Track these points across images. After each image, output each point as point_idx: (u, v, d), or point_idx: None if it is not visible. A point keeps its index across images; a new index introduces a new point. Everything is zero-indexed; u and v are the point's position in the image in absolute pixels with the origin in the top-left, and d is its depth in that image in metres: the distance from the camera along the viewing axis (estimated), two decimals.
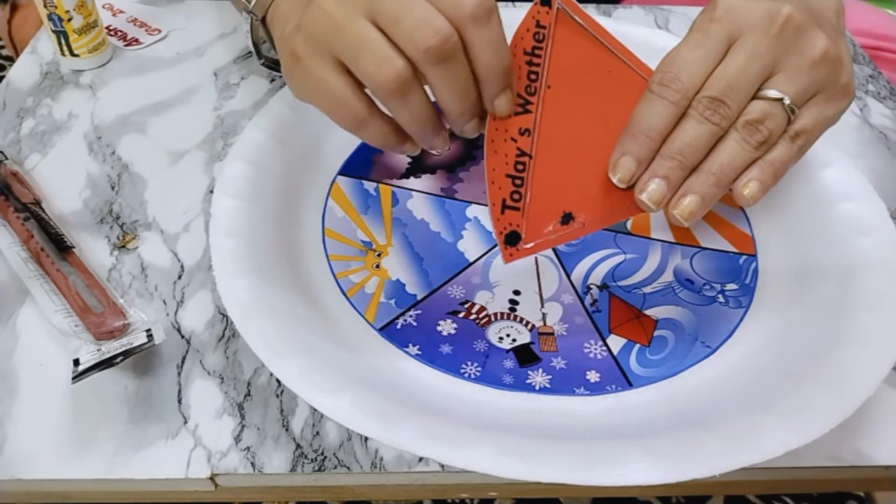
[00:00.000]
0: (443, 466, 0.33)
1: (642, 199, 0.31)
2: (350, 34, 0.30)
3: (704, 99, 0.30)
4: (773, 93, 0.31)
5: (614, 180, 0.32)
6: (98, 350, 0.34)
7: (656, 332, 0.36)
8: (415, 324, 0.36)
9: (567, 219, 0.33)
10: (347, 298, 0.37)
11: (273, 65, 0.49)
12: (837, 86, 0.32)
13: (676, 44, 0.32)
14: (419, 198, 0.43)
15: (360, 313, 0.37)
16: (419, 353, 0.35)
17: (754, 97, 0.31)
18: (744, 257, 0.40)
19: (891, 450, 0.33)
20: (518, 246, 0.33)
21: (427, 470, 0.33)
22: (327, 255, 0.39)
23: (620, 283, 0.39)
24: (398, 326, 0.36)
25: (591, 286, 0.39)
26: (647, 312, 0.37)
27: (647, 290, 0.38)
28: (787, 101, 0.31)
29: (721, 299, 0.38)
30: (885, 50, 0.65)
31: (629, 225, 0.42)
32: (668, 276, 0.39)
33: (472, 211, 0.42)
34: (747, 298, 0.38)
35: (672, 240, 0.41)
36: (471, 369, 0.35)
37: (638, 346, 0.36)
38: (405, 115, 0.32)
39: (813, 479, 0.35)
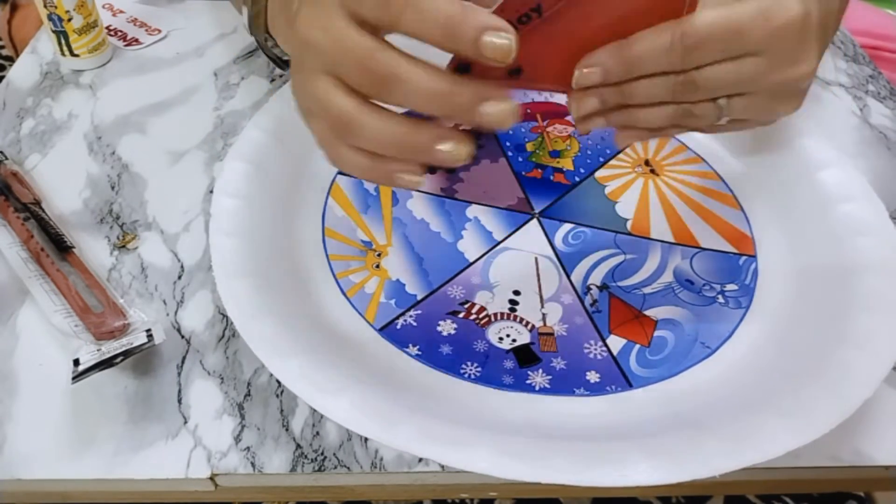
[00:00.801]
0: (443, 466, 0.33)
1: (574, 79, 0.31)
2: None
3: (688, 83, 0.31)
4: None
5: (574, 77, 0.31)
6: (98, 350, 0.34)
7: (656, 333, 0.36)
8: (415, 324, 0.36)
9: (516, 72, 0.31)
10: (347, 298, 0.37)
11: (275, 59, 0.49)
12: (779, 109, 0.34)
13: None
14: (419, 198, 0.43)
15: (360, 313, 0.37)
16: (419, 353, 0.35)
17: None
18: (743, 258, 0.40)
19: (891, 450, 0.33)
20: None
21: (427, 470, 0.33)
22: (327, 255, 0.39)
23: (620, 284, 0.39)
24: (398, 326, 0.36)
25: (591, 286, 0.39)
26: (647, 313, 0.37)
27: (647, 290, 0.38)
28: (722, 103, 0.33)
29: (721, 300, 0.38)
30: (885, 50, 0.65)
31: (629, 226, 0.42)
32: (667, 277, 0.39)
33: (472, 211, 0.42)
34: (747, 299, 0.38)
35: (672, 240, 0.41)
36: (471, 369, 0.35)
37: (638, 346, 0.36)
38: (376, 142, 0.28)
39: (813, 479, 0.35)
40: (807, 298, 0.36)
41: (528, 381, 0.34)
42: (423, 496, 0.35)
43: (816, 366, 0.31)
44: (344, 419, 0.28)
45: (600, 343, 0.36)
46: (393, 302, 0.37)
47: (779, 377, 0.32)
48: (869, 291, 0.34)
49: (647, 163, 0.46)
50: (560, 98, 0.49)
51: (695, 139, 0.47)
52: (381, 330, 0.36)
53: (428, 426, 0.29)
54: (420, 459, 0.33)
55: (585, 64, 0.31)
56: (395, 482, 0.33)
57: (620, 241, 0.41)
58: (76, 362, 0.33)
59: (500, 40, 0.25)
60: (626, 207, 0.43)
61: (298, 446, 0.33)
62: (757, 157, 0.44)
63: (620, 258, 0.40)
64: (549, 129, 0.48)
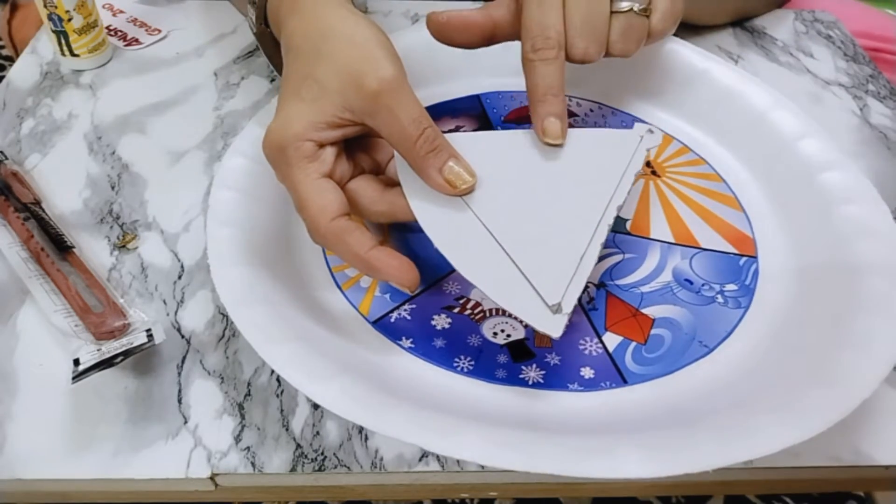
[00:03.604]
0: (443, 466, 0.33)
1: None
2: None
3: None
4: (624, 4, 0.35)
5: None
6: (98, 350, 0.34)
7: (653, 331, 0.36)
8: (409, 317, 0.37)
9: None
10: (342, 291, 0.37)
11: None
12: None
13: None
14: None
15: (353, 306, 0.37)
16: (412, 346, 0.35)
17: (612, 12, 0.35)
18: (744, 258, 0.40)
19: (891, 450, 0.33)
20: None
21: (427, 470, 0.33)
22: (324, 249, 0.39)
23: (618, 282, 0.39)
24: (392, 320, 0.36)
25: (589, 284, 0.38)
26: (645, 311, 0.37)
27: (645, 289, 0.38)
28: (637, 7, 0.35)
29: (720, 300, 0.38)
30: (885, 51, 0.65)
31: (628, 226, 0.42)
32: (666, 276, 0.39)
33: None
34: (747, 299, 0.38)
35: (672, 240, 0.41)
36: (463, 363, 0.35)
37: (634, 343, 0.36)
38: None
39: (813, 479, 0.35)
40: (807, 299, 0.36)
41: (520, 376, 0.34)
42: (424, 496, 0.35)
43: (814, 366, 0.31)
44: (333, 405, 0.28)
45: (596, 340, 0.36)
46: (388, 296, 0.37)
47: (776, 377, 0.32)
48: (870, 293, 0.34)
49: (648, 164, 0.46)
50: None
51: (697, 141, 0.47)
52: (374, 323, 0.36)
53: (417, 415, 0.29)
54: (420, 459, 0.33)
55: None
56: (395, 482, 0.33)
57: (620, 240, 0.41)
58: (76, 362, 0.33)
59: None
60: (626, 208, 0.43)
61: (298, 446, 0.33)
62: (760, 159, 0.44)
63: (619, 257, 0.40)
64: None
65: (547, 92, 0.34)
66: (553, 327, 0.30)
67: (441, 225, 0.33)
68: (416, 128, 0.32)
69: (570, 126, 0.35)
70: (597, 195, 0.34)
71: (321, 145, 0.32)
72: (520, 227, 0.33)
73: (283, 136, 0.32)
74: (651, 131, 0.37)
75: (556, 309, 0.30)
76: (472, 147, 0.34)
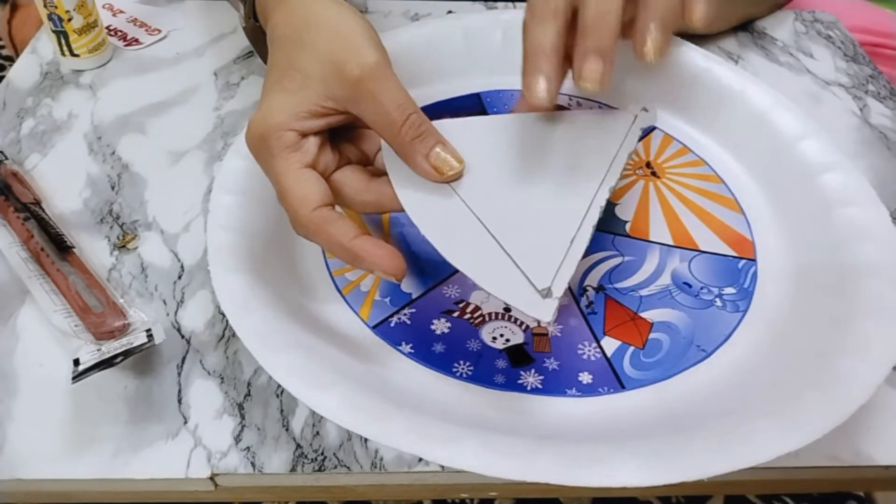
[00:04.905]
0: (443, 466, 0.33)
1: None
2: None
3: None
4: None
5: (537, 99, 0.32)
6: (98, 350, 0.34)
7: (651, 335, 0.36)
8: (408, 322, 0.37)
9: None
10: (342, 296, 0.37)
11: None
12: None
13: None
14: None
15: (354, 311, 0.37)
16: (412, 351, 0.35)
17: None
18: (743, 261, 0.40)
19: (891, 450, 0.33)
20: None
21: (427, 470, 0.33)
22: (324, 253, 0.39)
23: (617, 286, 0.39)
24: (392, 325, 0.36)
25: (588, 288, 0.38)
26: (643, 315, 0.37)
27: (644, 292, 0.38)
28: None
29: (718, 303, 0.38)
30: (884, 46, 0.65)
31: (628, 228, 0.42)
32: (665, 279, 0.39)
33: None
34: (745, 302, 0.38)
35: (671, 243, 0.41)
36: (463, 368, 0.35)
37: (632, 348, 0.36)
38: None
39: (813, 479, 0.35)
40: (806, 302, 0.36)
41: (519, 381, 0.34)
42: (423, 496, 0.35)
43: (812, 370, 0.31)
44: (332, 414, 0.28)
45: (594, 344, 0.36)
46: (388, 300, 0.38)
47: (774, 380, 0.32)
48: (869, 296, 0.34)
49: (648, 165, 0.46)
50: (562, 99, 0.49)
51: (697, 142, 0.47)
52: (374, 328, 0.36)
53: (416, 423, 0.29)
54: (420, 459, 0.33)
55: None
56: (395, 482, 0.33)
57: (619, 242, 0.41)
58: (76, 362, 0.33)
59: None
60: (625, 209, 0.43)
61: (298, 446, 0.33)
62: (760, 160, 0.44)
63: (618, 260, 0.40)
64: None
65: (536, 49, 0.32)
66: (543, 312, 0.29)
67: (428, 212, 0.32)
68: (400, 113, 0.31)
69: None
70: (588, 177, 0.34)
71: (304, 135, 0.32)
72: (508, 212, 0.32)
73: (265, 126, 0.31)
74: (646, 110, 0.37)
75: (546, 293, 0.29)
76: (460, 132, 0.34)
